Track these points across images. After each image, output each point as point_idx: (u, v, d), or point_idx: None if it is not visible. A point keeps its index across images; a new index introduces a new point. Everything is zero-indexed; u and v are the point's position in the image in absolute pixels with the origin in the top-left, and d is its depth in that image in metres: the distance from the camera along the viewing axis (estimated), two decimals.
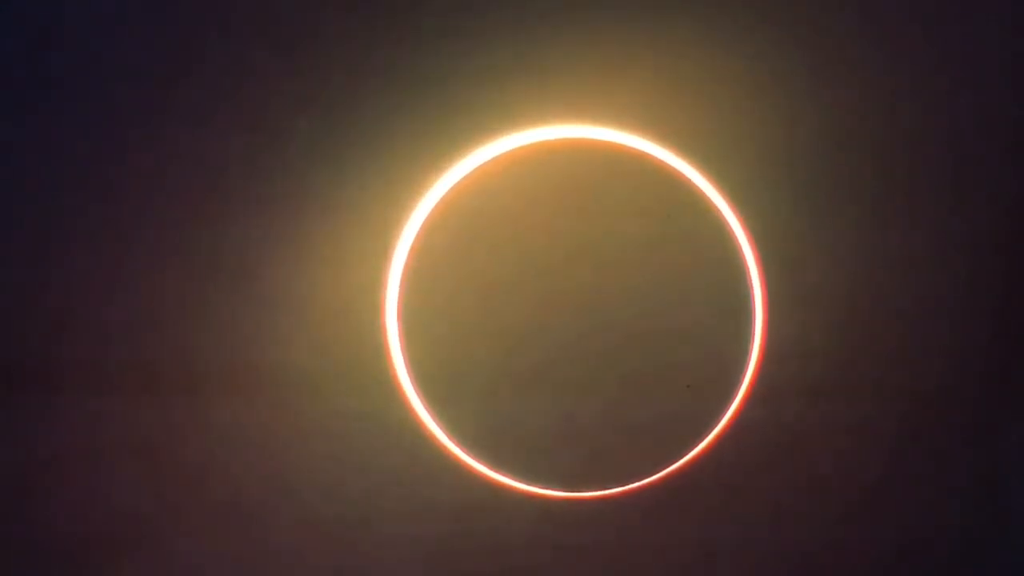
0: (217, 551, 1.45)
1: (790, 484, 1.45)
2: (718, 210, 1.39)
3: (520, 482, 1.40)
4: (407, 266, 1.39)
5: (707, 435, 1.40)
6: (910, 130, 1.44)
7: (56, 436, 1.44)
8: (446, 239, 1.39)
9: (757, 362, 1.40)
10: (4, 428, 1.44)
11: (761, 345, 1.40)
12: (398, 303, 1.39)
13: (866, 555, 1.46)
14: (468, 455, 1.40)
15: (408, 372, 1.39)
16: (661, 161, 1.39)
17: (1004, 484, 1.47)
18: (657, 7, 1.40)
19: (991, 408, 1.47)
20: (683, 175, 1.39)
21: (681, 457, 1.40)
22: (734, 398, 1.40)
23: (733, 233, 1.39)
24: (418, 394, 1.39)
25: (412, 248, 1.39)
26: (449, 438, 1.40)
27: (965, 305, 1.46)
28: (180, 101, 1.42)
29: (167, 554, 1.45)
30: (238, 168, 1.43)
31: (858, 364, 1.45)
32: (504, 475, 1.40)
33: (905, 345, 1.45)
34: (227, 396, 1.44)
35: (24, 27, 1.42)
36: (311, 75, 1.42)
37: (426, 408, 1.39)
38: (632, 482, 1.40)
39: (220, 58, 1.42)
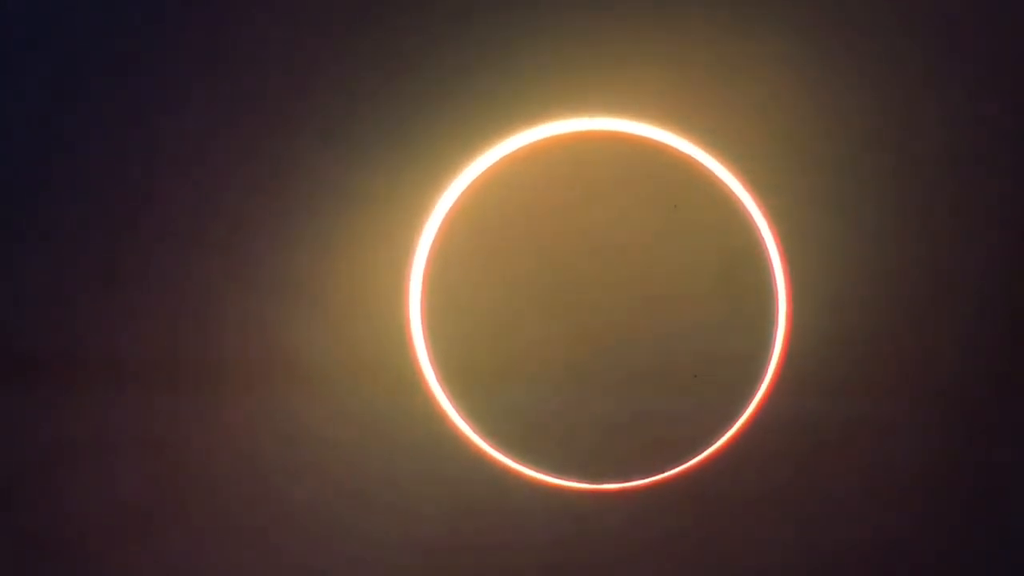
0: (233, 540, 1.45)
1: (810, 479, 1.45)
2: (742, 203, 1.38)
3: (541, 473, 1.40)
4: (429, 259, 1.38)
5: (728, 430, 1.40)
6: (935, 123, 1.43)
7: (75, 427, 1.44)
8: (467, 232, 1.39)
9: (780, 357, 1.40)
10: (15, 419, 1.44)
11: (784, 340, 1.39)
12: (421, 295, 1.38)
13: (885, 551, 1.46)
14: (490, 446, 1.40)
15: (430, 363, 1.39)
16: (683, 153, 1.38)
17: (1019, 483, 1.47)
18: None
19: (1011, 406, 1.46)
20: (706, 167, 1.38)
21: (702, 451, 1.40)
22: (756, 393, 1.40)
23: (757, 227, 1.38)
24: (440, 385, 1.39)
25: (434, 241, 1.38)
26: (471, 429, 1.40)
27: (990, 302, 1.45)
28: (201, 97, 1.42)
29: (181, 545, 1.45)
30: (259, 163, 1.42)
31: (880, 361, 1.45)
32: (525, 466, 1.40)
33: (926, 343, 1.45)
34: (249, 389, 1.44)
35: (38, 23, 1.42)
36: (332, 70, 1.41)
37: (448, 399, 1.39)
38: (653, 475, 1.40)
39: (240, 52, 1.42)
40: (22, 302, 1.44)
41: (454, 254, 1.39)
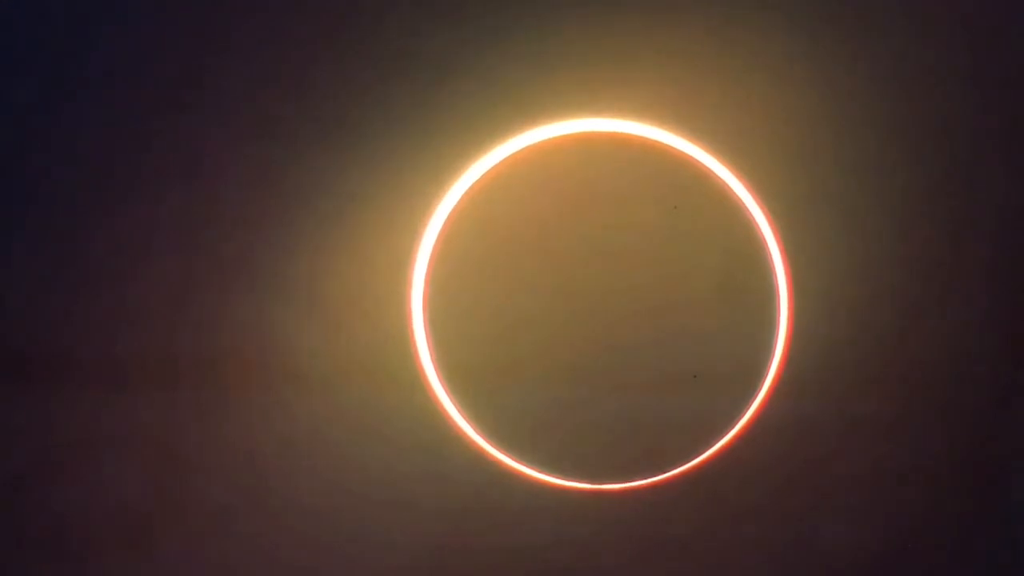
0: (232, 541, 1.45)
1: (811, 481, 1.45)
2: (743, 204, 1.39)
3: (542, 473, 1.40)
4: (431, 259, 1.38)
5: (729, 431, 1.40)
6: (937, 123, 1.43)
7: (71, 428, 1.44)
8: (468, 232, 1.39)
9: (781, 358, 1.40)
10: (11, 419, 1.44)
11: (785, 341, 1.40)
12: (423, 295, 1.38)
13: (886, 553, 1.46)
14: (492, 446, 1.40)
15: (431, 363, 1.39)
16: (684, 154, 1.38)
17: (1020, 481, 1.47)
18: None
19: (1013, 409, 1.46)
20: (707, 168, 1.38)
21: (703, 452, 1.40)
22: (757, 394, 1.40)
23: (758, 227, 1.39)
24: (441, 384, 1.39)
25: (435, 241, 1.38)
26: (473, 429, 1.39)
27: (992, 304, 1.45)
28: (199, 95, 1.42)
29: (179, 546, 1.45)
30: (261, 161, 1.43)
31: (882, 363, 1.45)
32: (527, 466, 1.40)
33: (928, 345, 1.45)
34: (250, 389, 1.44)
35: (33, 22, 1.42)
36: (334, 68, 1.42)
37: (449, 398, 1.39)
38: (654, 475, 1.40)
39: (240, 49, 1.42)
40: (18, 301, 1.44)
41: (455, 254, 1.39)
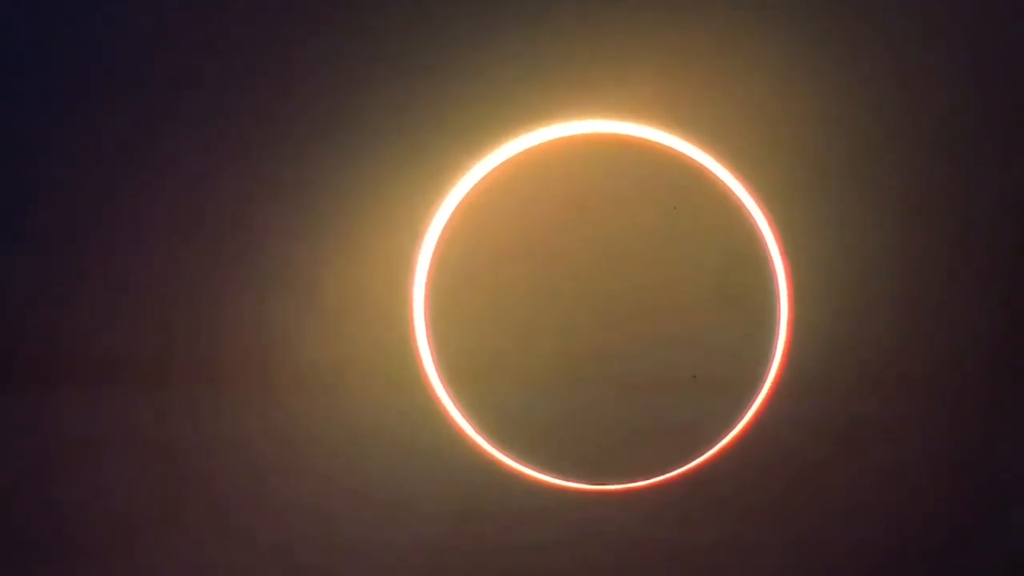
0: (232, 541, 1.45)
1: (813, 481, 1.45)
2: (743, 204, 1.38)
3: (543, 474, 1.40)
4: (432, 260, 1.38)
5: (730, 431, 1.40)
6: (939, 124, 1.43)
7: (68, 428, 1.44)
8: (468, 233, 1.39)
9: (782, 358, 1.40)
10: (8, 420, 1.44)
11: (786, 341, 1.39)
12: (424, 296, 1.38)
13: (888, 554, 1.46)
14: (492, 446, 1.40)
15: (432, 363, 1.39)
16: (684, 154, 1.38)
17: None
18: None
19: (1016, 410, 1.46)
20: (707, 169, 1.38)
21: (704, 453, 1.40)
22: (758, 394, 1.40)
23: (758, 228, 1.38)
24: (442, 385, 1.39)
25: (436, 242, 1.38)
26: (473, 429, 1.39)
27: (995, 304, 1.45)
28: (197, 92, 1.42)
29: (178, 547, 1.44)
30: (261, 159, 1.42)
31: (884, 363, 1.45)
32: (527, 467, 1.40)
33: (930, 345, 1.45)
34: (249, 389, 1.43)
35: (30, 23, 1.42)
36: (333, 67, 1.41)
37: (450, 399, 1.39)
38: (655, 476, 1.40)
39: (239, 46, 1.42)
40: (16, 301, 1.44)
41: (456, 255, 1.39)
